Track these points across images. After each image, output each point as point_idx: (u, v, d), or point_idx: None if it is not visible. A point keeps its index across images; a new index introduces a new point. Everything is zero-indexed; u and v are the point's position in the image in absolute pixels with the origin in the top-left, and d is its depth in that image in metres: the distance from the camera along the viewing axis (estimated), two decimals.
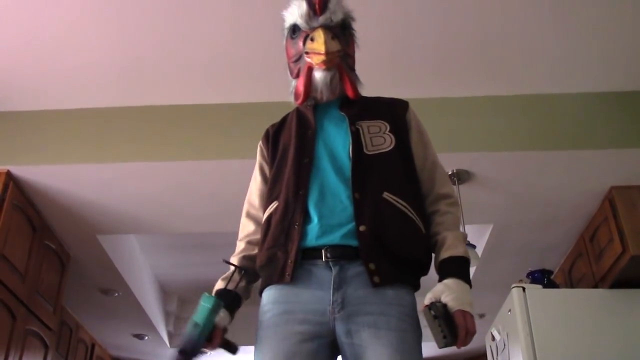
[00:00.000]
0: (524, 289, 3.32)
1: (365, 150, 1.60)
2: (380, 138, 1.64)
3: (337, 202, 1.53)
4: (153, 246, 4.74)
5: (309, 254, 1.50)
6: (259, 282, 1.62)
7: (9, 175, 3.18)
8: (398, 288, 1.48)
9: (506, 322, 3.45)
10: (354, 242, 1.48)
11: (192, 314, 1.49)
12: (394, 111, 1.73)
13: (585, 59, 3.08)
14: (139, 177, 3.27)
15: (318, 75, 1.65)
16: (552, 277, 3.74)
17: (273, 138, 1.77)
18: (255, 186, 1.77)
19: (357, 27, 1.76)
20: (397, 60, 3.09)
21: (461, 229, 1.56)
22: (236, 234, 1.77)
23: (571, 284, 3.94)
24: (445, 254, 1.54)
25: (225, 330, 1.54)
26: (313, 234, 1.51)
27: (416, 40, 2.97)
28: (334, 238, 1.49)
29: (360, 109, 1.70)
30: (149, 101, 3.31)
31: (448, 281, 1.48)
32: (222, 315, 1.52)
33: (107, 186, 3.32)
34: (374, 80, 3.22)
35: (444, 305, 1.43)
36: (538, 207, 3.56)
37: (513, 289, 3.35)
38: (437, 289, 1.47)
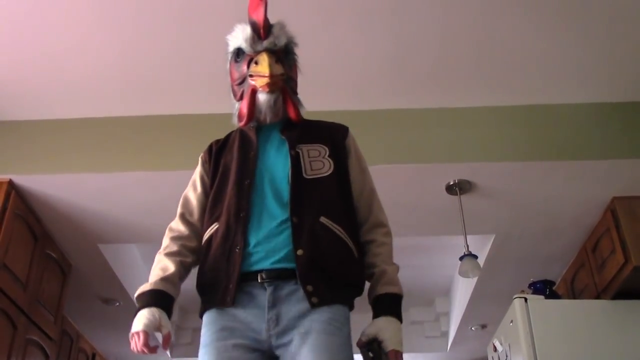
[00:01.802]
0: (526, 299, 3.31)
1: (304, 175, 1.63)
2: (319, 162, 1.67)
3: (275, 226, 1.56)
4: (154, 255, 4.72)
5: (248, 277, 1.53)
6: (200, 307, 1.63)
7: (10, 184, 3.18)
8: (334, 306, 1.52)
9: (508, 332, 3.43)
10: (291, 265, 1.51)
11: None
12: (333, 136, 1.76)
13: (585, 69, 3.08)
14: (140, 186, 3.27)
15: (262, 97, 1.68)
16: (554, 287, 3.73)
17: (215, 155, 1.79)
18: (194, 195, 1.79)
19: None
20: (398, 71, 3.09)
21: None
22: None
23: (573, 295, 3.93)
24: (382, 289, 1.60)
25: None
26: (254, 258, 1.54)
27: (417, 51, 2.98)
28: (273, 262, 1.52)
29: (301, 132, 1.72)
30: (151, 111, 3.32)
31: (384, 319, 1.56)
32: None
33: (108, 195, 3.32)
34: (376, 91, 3.26)
35: (380, 343, 1.52)
36: (540, 217, 3.55)
37: (515, 300, 3.34)
38: (374, 327, 1.55)
